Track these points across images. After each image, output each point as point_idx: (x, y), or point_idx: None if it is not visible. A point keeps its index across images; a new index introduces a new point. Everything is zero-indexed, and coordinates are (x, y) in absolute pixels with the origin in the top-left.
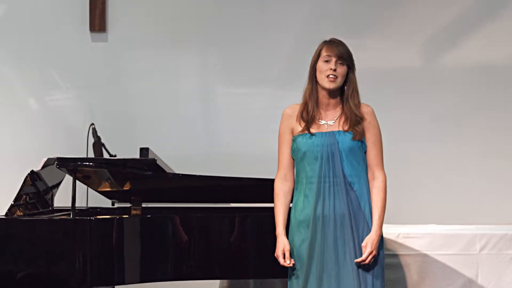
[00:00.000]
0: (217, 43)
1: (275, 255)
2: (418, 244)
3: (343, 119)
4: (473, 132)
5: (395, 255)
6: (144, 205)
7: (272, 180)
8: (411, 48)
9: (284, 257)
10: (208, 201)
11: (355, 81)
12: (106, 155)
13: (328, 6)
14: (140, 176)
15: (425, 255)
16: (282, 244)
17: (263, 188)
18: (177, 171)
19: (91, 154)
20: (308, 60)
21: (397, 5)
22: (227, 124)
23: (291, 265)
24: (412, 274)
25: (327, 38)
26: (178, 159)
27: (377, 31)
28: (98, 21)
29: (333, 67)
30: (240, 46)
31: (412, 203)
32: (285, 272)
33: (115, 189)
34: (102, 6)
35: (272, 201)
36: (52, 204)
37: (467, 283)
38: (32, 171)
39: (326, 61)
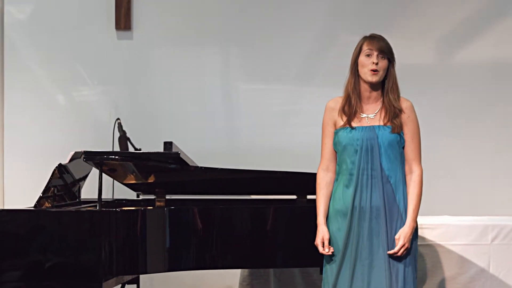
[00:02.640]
0: (238, 42)
1: (315, 243)
2: (432, 235)
3: (383, 112)
4: (486, 126)
5: None
6: (168, 197)
7: (290, 173)
8: (425, 46)
9: (323, 246)
10: (229, 193)
11: (395, 75)
12: (131, 149)
13: (345, 6)
14: (164, 169)
15: (439, 245)
16: (322, 233)
17: (282, 181)
18: (200, 164)
19: (117, 148)
20: (326, 57)
21: (411, 4)
22: (248, 119)
23: (330, 253)
24: (426, 263)
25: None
26: (201, 152)
27: (392, 29)
28: (123, 20)
29: (375, 60)
30: (261, 44)
31: (427, 195)
32: (304, 262)
33: (140, 182)
34: (127, 5)
35: (290, 193)
36: (79, 196)
37: (479, 272)
38: (60, 164)
39: (368, 55)
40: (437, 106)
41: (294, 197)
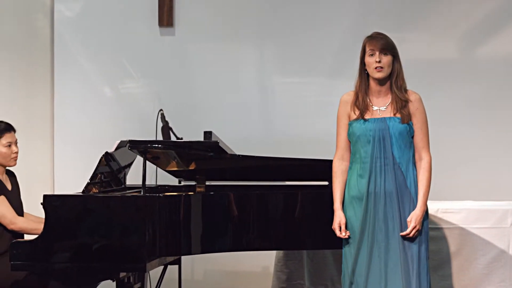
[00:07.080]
0: (274, 36)
1: (332, 227)
2: (455, 219)
3: (393, 104)
4: (505, 117)
5: (435, 228)
6: (207, 183)
7: (322, 161)
8: (449, 42)
9: (340, 230)
10: (265, 180)
11: (399, 68)
12: (173, 138)
13: (375, 3)
14: (204, 157)
15: (462, 229)
16: (339, 218)
17: (314, 168)
18: (237, 152)
19: (160, 137)
20: (357, 51)
21: (436, 2)
22: (282, 110)
23: (346, 236)
24: (450, 245)
25: (370, 33)
26: (238, 141)
27: (418, 26)
28: (166, 17)
29: (377, 59)
30: (295, 38)
31: (451, 182)
32: (335, 244)
33: (181, 169)
34: (170, 3)
35: (322, 179)
36: (125, 182)
37: (499, 254)
38: (106, 153)
39: (371, 55)
40: (460, 98)
41: (326, 183)
